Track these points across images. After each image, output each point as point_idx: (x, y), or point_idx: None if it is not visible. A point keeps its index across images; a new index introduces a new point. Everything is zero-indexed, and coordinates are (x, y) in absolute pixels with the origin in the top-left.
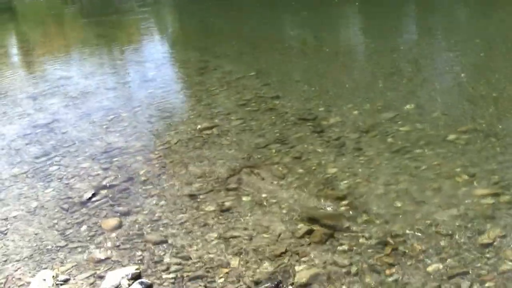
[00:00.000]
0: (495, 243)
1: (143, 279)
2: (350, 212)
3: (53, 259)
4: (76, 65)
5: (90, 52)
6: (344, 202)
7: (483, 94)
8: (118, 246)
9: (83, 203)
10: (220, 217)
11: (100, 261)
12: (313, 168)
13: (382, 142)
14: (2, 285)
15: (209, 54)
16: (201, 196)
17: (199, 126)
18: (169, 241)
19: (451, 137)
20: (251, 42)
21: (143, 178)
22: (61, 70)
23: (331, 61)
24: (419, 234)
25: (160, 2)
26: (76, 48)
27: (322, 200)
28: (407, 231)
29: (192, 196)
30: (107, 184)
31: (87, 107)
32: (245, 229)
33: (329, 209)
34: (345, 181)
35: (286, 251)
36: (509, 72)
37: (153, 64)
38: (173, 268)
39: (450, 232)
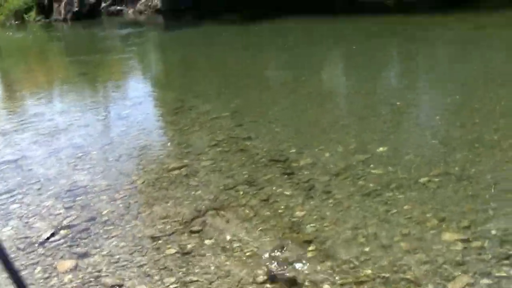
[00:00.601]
0: None
1: None
2: (316, 257)
3: None
4: (53, 102)
5: (69, 89)
6: (310, 247)
7: (457, 137)
8: None
9: (41, 243)
10: (181, 260)
11: None
12: (280, 211)
13: (352, 185)
14: None
15: (187, 93)
16: (163, 238)
17: (167, 166)
18: (126, 285)
19: (423, 180)
20: (229, 82)
21: (105, 218)
22: (37, 106)
23: (308, 102)
24: (386, 280)
25: (145, 42)
26: (56, 85)
27: (287, 245)
28: (374, 278)
29: (154, 238)
30: (68, 224)
31: (57, 144)
32: (206, 273)
33: (293, 253)
34: (312, 225)
35: None
36: (483, 115)
37: (130, 102)
38: None
39: (418, 278)
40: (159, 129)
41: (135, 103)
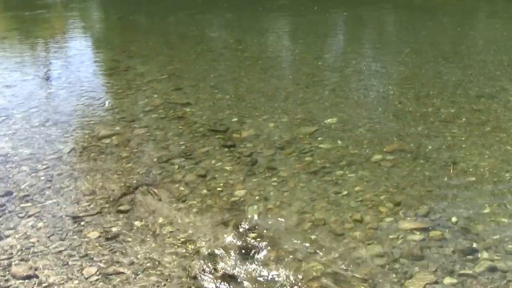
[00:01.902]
0: None
1: None
2: (257, 247)
3: None
4: None
5: None
6: (251, 234)
7: (411, 110)
8: None
9: None
10: (105, 247)
11: None
12: (219, 189)
13: (298, 161)
14: None
15: (123, 53)
16: (86, 219)
17: (97, 134)
18: (39, 276)
19: (376, 157)
20: (169, 42)
21: (23, 193)
22: None
23: (251, 67)
24: (336, 276)
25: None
26: None
27: (225, 230)
28: (322, 272)
29: (76, 218)
30: None
31: None
32: (132, 263)
33: (232, 241)
34: (254, 207)
35: None
36: (438, 86)
37: (61, 61)
38: None
39: (371, 274)
40: (91, 92)
41: (67, 62)
